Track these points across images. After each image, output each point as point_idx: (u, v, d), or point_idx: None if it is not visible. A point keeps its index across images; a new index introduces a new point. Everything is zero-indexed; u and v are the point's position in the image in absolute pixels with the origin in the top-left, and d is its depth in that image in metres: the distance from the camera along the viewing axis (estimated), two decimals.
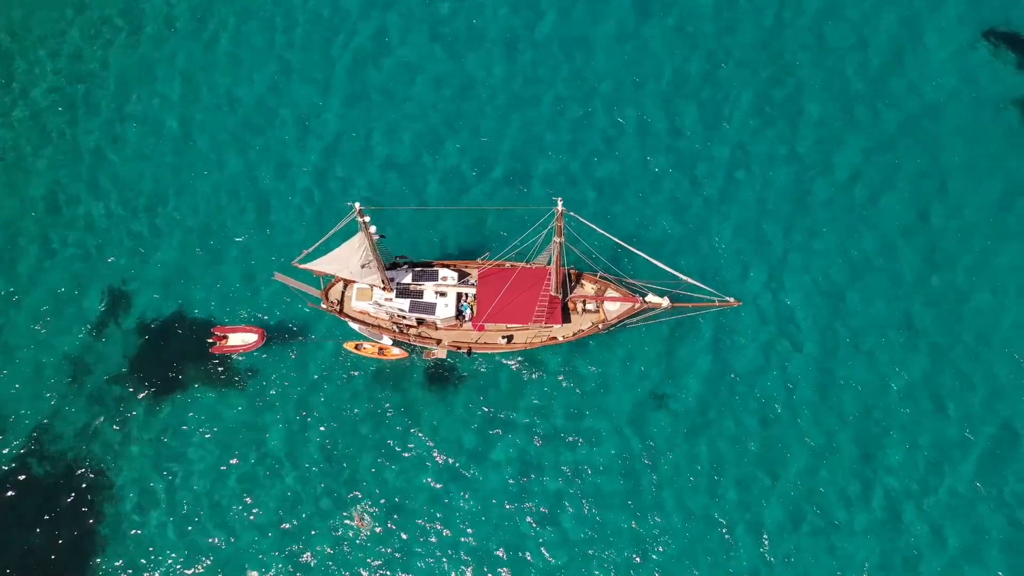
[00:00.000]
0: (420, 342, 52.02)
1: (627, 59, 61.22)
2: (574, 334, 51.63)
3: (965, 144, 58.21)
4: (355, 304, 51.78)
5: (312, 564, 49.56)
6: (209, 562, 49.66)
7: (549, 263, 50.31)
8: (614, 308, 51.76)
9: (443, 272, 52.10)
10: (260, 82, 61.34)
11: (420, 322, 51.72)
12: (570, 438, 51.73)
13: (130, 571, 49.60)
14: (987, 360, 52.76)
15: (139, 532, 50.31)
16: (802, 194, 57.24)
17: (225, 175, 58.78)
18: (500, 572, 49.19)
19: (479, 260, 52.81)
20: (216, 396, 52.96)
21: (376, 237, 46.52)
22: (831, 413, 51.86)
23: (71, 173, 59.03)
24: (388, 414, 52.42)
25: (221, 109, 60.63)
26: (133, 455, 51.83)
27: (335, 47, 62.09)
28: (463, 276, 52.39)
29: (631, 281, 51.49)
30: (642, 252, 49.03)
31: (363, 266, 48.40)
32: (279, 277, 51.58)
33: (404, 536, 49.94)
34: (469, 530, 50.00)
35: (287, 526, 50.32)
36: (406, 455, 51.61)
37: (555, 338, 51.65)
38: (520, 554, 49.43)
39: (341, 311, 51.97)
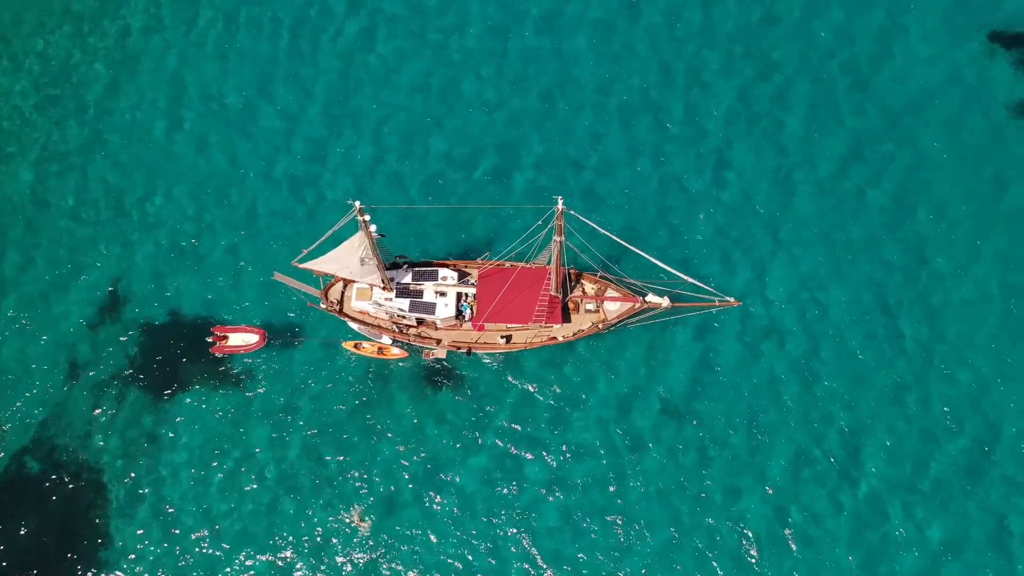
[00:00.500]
0: (420, 342, 51.98)
1: (619, 58, 61.37)
2: (574, 334, 51.60)
3: (952, 139, 58.36)
4: (355, 304, 51.75)
5: (312, 564, 49.47)
6: (208, 561, 49.57)
7: (549, 263, 50.31)
8: (614, 308, 51.73)
9: (443, 272, 52.09)
10: (259, 81, 61.44)
11: (420, 322, 51.68)
12: (570, 439, 51.71)
13: (128, 571, 49.49)
14: (972, 356, 52.87)
15: (138, 532, 50.21)
16: (797, 193, 57.35)
17: (224, 175, 58.76)
18: (500, 572, 49.12)
19: (479, 260, 52.80)
20: (216, 396, 52.91)
21: (376, 236, 46.52)
22: (818, 412, 51.89)
23: (70, 173, 59.07)
24: (388, 414, 52.35)
25: (218, 108, 60.69)
26: (133, 455, 51.75)
27: (329, 45, 62.17)
28: (463, 276, 52.38)
29: (631, 281, 51.47)
30: (642, 251, 49.00)
31: (363, 265, 48.39)
32: (279, 277, 51.55)
33: (404, 536, 49.86)
34: (469, 530, 49.92)
35: (287, 526, 50.21)
36: (405, 455, 51.54)
37: (555, 338, 51.61)
38: (519, 553, 49.36)
39: (341, 311, 51.94)
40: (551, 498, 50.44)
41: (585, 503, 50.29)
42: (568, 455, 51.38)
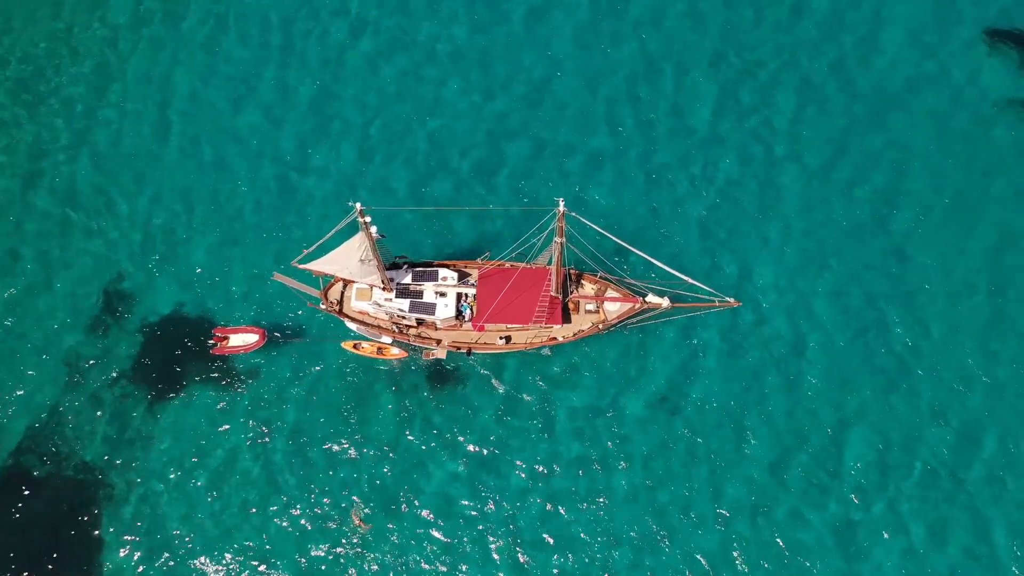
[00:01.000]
0: (419, 342, 51.96)
1: (614, 55, 61.37)
2: (574, 334, 51.60)
3: (945, 136, 58.65)
4: (354, 304, 51.71)
5: (311, 564, 49.50)
6: (207, 561, 49.58)
7: (549, 263, 50.28)
8: (614, 308, 51.73)
9: (443, 272, 52.04)
10: (258, 82, 61.32)
11: (420, 322, 51.66)
12: (570, 439, 51.78)
13: (128, 570, 49.50)
14: (963, 353, 53.13)
15: (137, 532, 50.22)
16: (796, 194, 57.48)
17: (224, 175, 58.67)
18: (500, 571, 49.20)
19: (479, 260, 52.76)
20: (216, 396, 52.88)
21: (377, 237, 46.47)
22: (810, 411, 52.11)
23: (61, 172, 58.87)
24: (387, 414, 52.38)
25: (213, 108, 60.54)
26: (133, 455, 51.74)
27: (329, 43, 62.11)
28: (463, 276, 52.34)
29: (631, 281, 51.47)
30: (642, 252, 49.00)
31: (363, 266, 48.33)
32: (278, 277, 51.47)
33: (403, 536, 49.91)
34: (468, 530, 49.97)
35: (286, 526, 50.26)
36: (405, 455, 51.57)
37: (555, 338, 51.61)
38: (519, 554, 49.42)
39: (340, 311, 51.90)
40: (549, 499, 50.55)
41: (583, 503, 50.38)
42: (568, 456, 51.42)
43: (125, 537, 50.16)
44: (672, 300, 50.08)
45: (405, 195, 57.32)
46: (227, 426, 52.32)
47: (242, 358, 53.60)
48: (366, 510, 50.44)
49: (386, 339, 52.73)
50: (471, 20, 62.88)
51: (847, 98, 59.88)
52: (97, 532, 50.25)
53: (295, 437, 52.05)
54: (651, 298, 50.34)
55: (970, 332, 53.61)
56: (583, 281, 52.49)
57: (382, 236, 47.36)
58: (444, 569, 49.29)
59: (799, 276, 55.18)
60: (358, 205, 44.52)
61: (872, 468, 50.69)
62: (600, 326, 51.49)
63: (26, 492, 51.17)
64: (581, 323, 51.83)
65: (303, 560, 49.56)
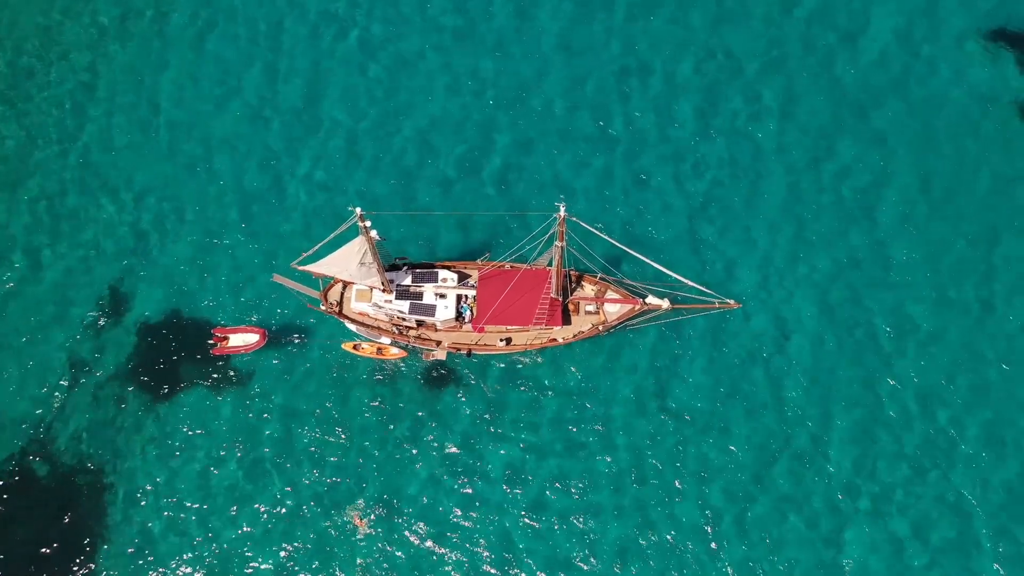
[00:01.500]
0: (419, 343, 51.97)
1: (617, 59, 61.00)
2: (574, 336, 51.63)
3: (955, 140, 58.43)
4: (354, 305, 51.64)
5: (311, 564, 49.77)
6: (208, 561, 49.84)
7: (549, 265, 50.21)
8: (614, 310, 51.73)
9: (443, 274, 51.94)
10: (258, 83, 60.93)
11: (420, 324, 51.64)
12: (567, 441, 51.91)
13: (128, 570, 49.75)
14: (974, 360, 53.21)
15: (138, 532, 50.41)
16: (794, 194, 57.34)
17: (225, 177, 58.38)
18: (498, 572, 49.57)
19: (479, 261, 52.67)
20: (217, 397, 52.95)
21: (376, 239, 46.34)
22: (818, 413, 52.22)
23: (67, 173, 58.60)
24: (386, 414, 52.48)
25: (212, 109, 60.16)
26: (133, 455, 51.84)
27: (325, 48, 61.64)
28: (463, 278, 52.25)
29: (631, 283, 51.44)
30: (643, 256, 48.96)
31: (362, 269, 48.23)
32: (278, 278, 51.35)
33: (402, 537, 50.14)
34: (467, 529, 50.23)
35: (286, 525, 50.46)
36: (405, 455, 51.73)
37: (555, 340, 51.65)
38: (517, 554, 49.74)
39: (340, 312, 51.86)
40: (551, 497, 50.78)
41: (582, 505, 50.60)
42: (566, 457, 51.59)
43: (123, 537, 50.31)
44: (672, 302, 50.08)
45: (402, 197, 57.12)
46: (226, 426, 52.39)
47: (242, 358, 53.61)
48: (365, 510, 50.65)
49: (385, 339, 52.74)
50: (471, 18, 62.42)
51: (861, 102, 59.65)
52: (94, 532, 50.40)
53: (295, 437, 52.16)
54: (651, 299, 50.36)
55: (987, 338, 53.85)
56: (583, 282, 52.44)
57: (382, 239, 47.25)
58: (444, 569, 49.61)
59: (792, 275, 55.17)
60: (358, 210, 44.38)
61: (860, 464, 51.08)
62: (600, 327, 51.51)
63: (24, 492, 51.26)
64: (581, 324, 51.84)
65: (303, 560, 49.80)
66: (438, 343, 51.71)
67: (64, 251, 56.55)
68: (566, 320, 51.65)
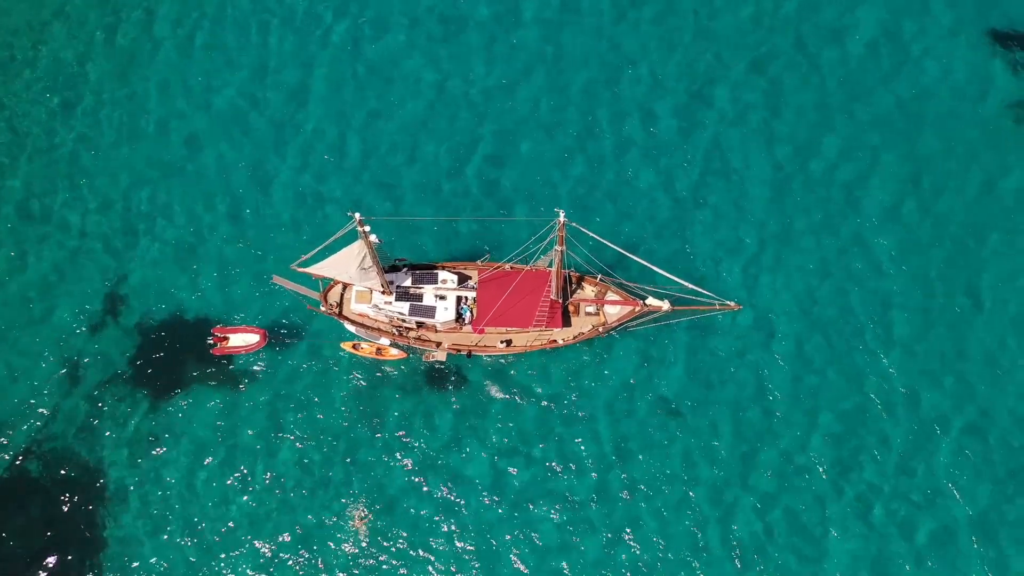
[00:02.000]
0: (420, 344, 51.97)
1: (611, 59, 60.62)
2: (574, 337, 51.57)
3: (943, 137, 58.18)
4: (354, 307, 51.59)
5: (312, 564, 50.09)
6: (206, 561, 50.14)
7: (550, 266, 50.05)
8: (614, 311, 51.62)
9: (442, 275, 51.82)
10: (255, 83, 60.58)
11: (420, 325, 51.59)
12: (569, 441, 52.03)
13: (128, 571, 50.13)
14: (961, 358, 53.26)
15: (137, 533, 50.70)
16: (793, 194, 57.13)
17: (225, 177, 58.20)
18: (499, 571, 49.86)
19: (479, 262, 52.53)
20: (216, 396, 53.08)
21: (375, 242, 46.22)
22: (806, 414, 52.29)
23: (62, 173, 58.45)
24: (386, 415, 52.60)
25: (212, 109, 59.88)
26: (133, 455, 52.07)
27: (320, 49, 61.25)
28: (463, 279, 52.14)
29: (631, 285, 51.28)
30: (643, 260, 48.78)
31: (362, 272, 48.14)
32: (277, 280, 51.30)
33: (402, 537, 50.40)
34: (466, 530, 50.46)
35: (286, 526, 50.75)
36: (404, 456, 51.89)
37: (555, 341, 51.59)
38: (516, 555, 50.00)
39: (340, 314, 51.83)
40: (548, 501, 50.96)
41: (582, 505, 50.78)
42: (566, 457, 51.71)
43: (125, 537, 50.63)
44: (672, 303, 49.94)
45: (400, 200, 56.92)
46: (226, 426, 52.56)
47: (241, 358, 53.69)
48: (366, 511, 50.91)
49: (384, 340, 52.75)
50: (478, 27, 62.01)
51: (851, 100, 59.30)
52: (96, 532, 50.71)
53: (295, 437, 52.34)
54: (651, 301, 50.21)
55: (975, 337, 53.82)
56: (584, 284, 52.30)
57: (380, 241, 47.10)
58: (443, 568, 49.91)
59: (782, 274, 55.16)
60: (357, 215, 44.23)
61: (877, 470, 51.17)
62: (600, 329, 51.43)
63: (25, 493, 51.52)
64: (581, 326, 51.76)
65: (303, 560, 50.12)
66: (438, 344, 51.70)
67: (64, 252, 56.47)
68: (566, 322, 51.58)
